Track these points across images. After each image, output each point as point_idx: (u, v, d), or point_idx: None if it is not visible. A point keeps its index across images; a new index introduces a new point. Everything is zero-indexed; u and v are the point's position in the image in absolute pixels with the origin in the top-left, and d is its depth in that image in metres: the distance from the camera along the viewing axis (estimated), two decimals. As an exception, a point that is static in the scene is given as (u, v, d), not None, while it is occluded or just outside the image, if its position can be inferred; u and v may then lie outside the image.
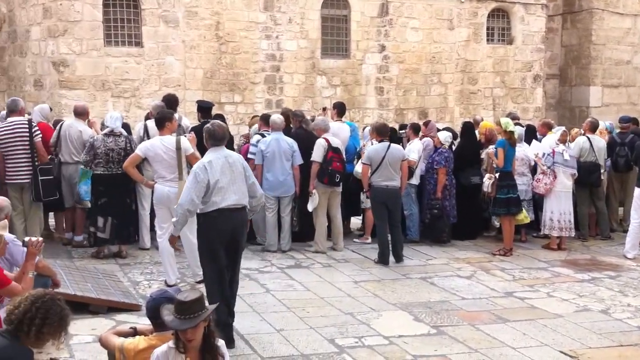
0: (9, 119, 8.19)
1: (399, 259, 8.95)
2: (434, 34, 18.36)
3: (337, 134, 9.81)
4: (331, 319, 6.54)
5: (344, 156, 9.54)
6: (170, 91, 12.38)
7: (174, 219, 6.08)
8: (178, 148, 7.47)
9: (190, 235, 7.28)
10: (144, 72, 15.44)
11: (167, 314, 3.73)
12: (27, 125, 8.09)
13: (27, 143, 8.02)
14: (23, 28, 15.73)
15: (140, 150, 7.59)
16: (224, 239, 5.81)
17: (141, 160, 7.71)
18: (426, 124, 10.82)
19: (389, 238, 8.96)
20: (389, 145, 8.94)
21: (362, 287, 7.74)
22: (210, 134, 5.98)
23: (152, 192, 7.77)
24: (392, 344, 5.94)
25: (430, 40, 18.34)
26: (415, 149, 9.90)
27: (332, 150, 9.22)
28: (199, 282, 7.36)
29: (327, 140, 9.25)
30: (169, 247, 7.03)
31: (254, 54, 16.61)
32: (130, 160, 7.67)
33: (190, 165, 7.45)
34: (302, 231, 9.66)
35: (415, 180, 9.95)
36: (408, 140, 10.34)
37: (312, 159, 9.18)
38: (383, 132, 9.10)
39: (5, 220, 5.58)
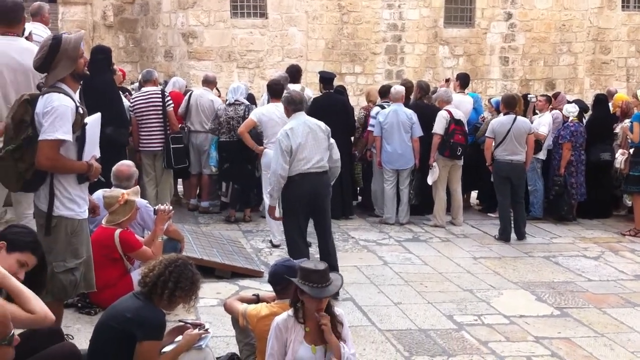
0: (144, 89, 8.60)
1: (521, 236, 8.69)
2: (564, 0, 17.44)
3: (459, 106, 9.59)
4: (450, 295, 6.47)
5: (467, 128, 9.33)
6: (292, 62, 12.54)
7: (268, 189, 6.39)
8: None
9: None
10: (267, 44, 15.73)
11: (302, 283, 3.71)
12: (160, 95, 8.47)
13: (160, 112, 8.39)
14: (154, 0, 16.40)
15: (254, 115, 7.89)
16: (306, 200, 6.15)
17: (255, 125, 7.92)
18: (555, 95, 10.36)
19: (511, 214, 8.70)
20: (515, 118, 8.64)
21: (482, 264, 7.59)
22: (289, 100, 6.34)
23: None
24: (513, 323, 5.80)
25: (560, 7, 17.45)
26: (545, 122, 9.51)
27: (454, 122, 9.04)
28: (275, 246, 7.68)
29: (449, 112, 9.07)
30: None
31: (376, 23, 16.49)
32: (245, 125, 7.96)
33: None
34: (421, 204, 9.56)
35: (542, 155, 9.58)
36: (534, 113, 9.95)
37: (433, 131, 9.04)
38: (511, 104, 8.78)
39: (137, 186, 5.92)
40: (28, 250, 3.33)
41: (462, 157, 9.23)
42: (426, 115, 9.31)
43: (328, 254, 6.28)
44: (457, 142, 9.02)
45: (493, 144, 8.74)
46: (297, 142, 6.04)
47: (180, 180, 10.00)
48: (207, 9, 15.34)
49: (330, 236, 6.42)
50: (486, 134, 8.93)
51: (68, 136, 3.90)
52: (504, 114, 8.81)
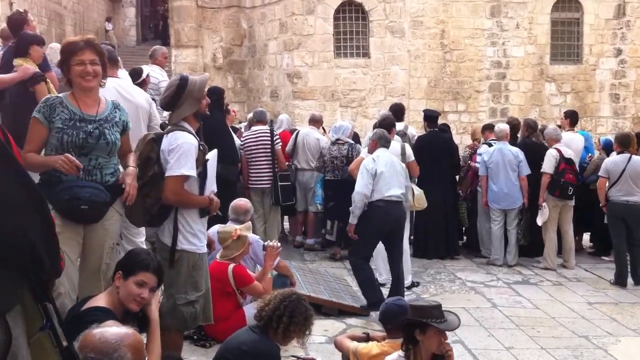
0: (254, 128, 8.88)
1: (638, 280, 8.26)
2: (678, 34, 16.71)
3: (570, 144, 9.31)
4: (564, 341, 6.21)
5: (577, 168, 9.04)
6: (394, 100, 12.62)
7: (352, 207, 6.78)
8: (402, 153, 7.68)
9: (403, 240, 7.50)
10: (370, 82, 15.88)
11: (430, 321, 3.72)
12: (269, 134, 8.72)
13: (269, 150, 8.63)
14: (261, 43, 16.98)
15: (364, 153, 7.91)
16: (387, 227, 6.76)
17: None
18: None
19: (628, 257, 8.30)
20: (630, 157, 8.29)
21: (597, 309, 7.25)
22: (381, 135, 7.11)
23: None
24: (634, 373, 5.49)
25: (674, 41, 16.72)
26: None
27: (564, 161, 8.78)
28: (410, 287, 7.62)
29: (559, 151, 8.82)
30: (381, 248, 7.27)
31: (479, 61, 16.35)
32: (356, 163, 8.00)
33: (411, 171, 7.72)
34: (530, 245, 9.28)
35: (659, 196, 9.11)
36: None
37: (542, 169, 8.81)
38: (625, 143, 8.45)
39: (249, 222, 6.09)
40: (141, 269, 3.35)
41: (574, 197, 8.92)
42: (535, 153, 9.11)
43: (398, 279, 6.85)
44: (567, 181, 8.75)
45: (607, 183, 8.42)
46: (381, 169, 6.71)
47: (286, 217, 10.19)
48: (312, 50, 15.71)
49: (402, 263, 7.01)
50: (599, 174, 8.61)
51: (192, 172, 4.08)
52: (618, 153, 8.49)
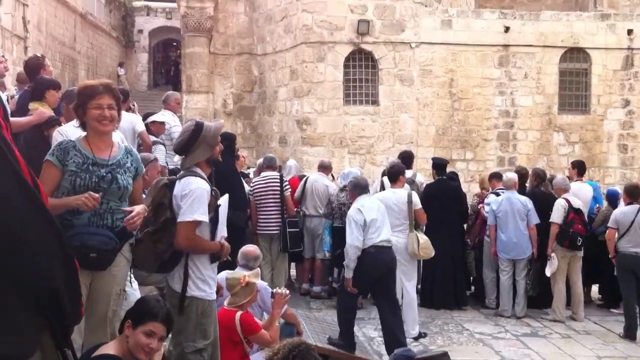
0: (263, 174, 8.94)
1: (649, 334, 8.16)
2: (687, 86, 16.83)
3: (578, 194, 9.31)
4: (574, 395, 6.12)
5: (586, 218, 9.02)
6: (403, 148, 12.71)
7: (345, 262, 6.84)
8: (409, 201, 7.73)
9: (410, 289, 7.61)
10: (378, 129, 16.00)
11: None
12: (279, 180, 8.77)
13: (278, 196, 8.67)
14: (272, 89, 17.19)
15: None
16: (376, 273, 6.78)
17: None
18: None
19: (637, 310, 8.21)
20: (639, 209, 8.27)
21: (607, 363, 7.15)
22: (356, 184, 7.19)
23: None
24: None
25: (682, 93, 16.83)
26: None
27: (573, 211, 8.78)
28: (417, 338, 7.56)
29: (567, 201, 8.82)
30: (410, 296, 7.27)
31: (487, 110, 16.48)
32: None
33: (418, 219, 7.74)
34: (539, 296, 9.20)
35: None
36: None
37: (551, 219, 8.80)
38: (634, 194, 8.45)
39: (258, 269, 6.07)
40: (150, 319, 3.34)
41: (582, 248, 8.88)
42: (544, 203, 9.11)
43: (391, 334, 6.76)
44: (576, 232, 8.73)
45: (616, 235, 8.39)
46: (370, 217, 6.78)
47: (293, 264, 10.16)
48: (321, 96, 15.88)
49: (396, 303, 7.05)
50: (609, 224, 8.59)
51: (204, 217, 4.10)
52: (627, 204, 8.48)
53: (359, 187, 7.16)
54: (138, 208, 3.84)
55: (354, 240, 6.72)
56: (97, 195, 3.64)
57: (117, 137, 4.55)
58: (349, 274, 6.79)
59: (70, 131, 4.82)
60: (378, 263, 6.79)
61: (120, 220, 3.89)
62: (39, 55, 7.44)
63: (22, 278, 1.44)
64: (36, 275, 1.44)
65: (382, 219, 6.93)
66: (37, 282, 1.49)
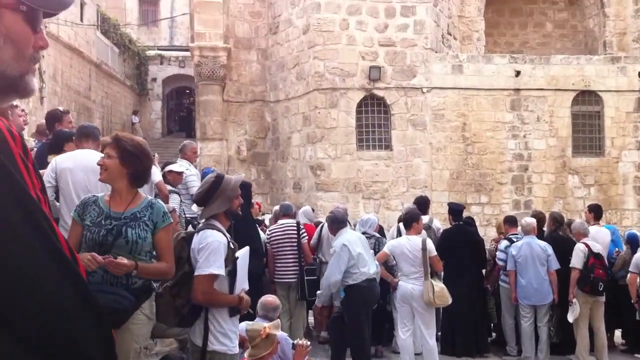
0: (280, 221, 8.92)
1: (677, 382, 7.97)
2: (702, 127, 16.79)
3: (596, 238, 9.22)
4: None
5: (606, 262, 8.90)
6: (417, 192, 12.69)
7: (319, 292, 7.12)
8: (424, 248, 7.66)
9: (429, 338, 7.49)
10: (392, 174, 15.99)
11: None
12: (295, 227, 8.74)
13: (295, 244, 8.63)
14: (285, 135, 17.29)
15: (387, 247, 8.01)
16: (371, 306, 7.18)
17: (387, 257, 7.99)
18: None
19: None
20: (661, 253, 8.17)
21: (636, 413, 6.95)
22: (334, 219, 7.46)
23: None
24: None
25: (697, 133, 16.78)
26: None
27: (593, 256, 8.66)
28: None
29: (587, 246, 8.72)
30: (409, 345, 7.26)
31: (501, 153, 16.47)
32: (378, 257, 7.99)
33: (433, 266, 7.67)
34: (562, 342, 9.02)
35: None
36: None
37: (571, 265, 8.69)
38: (655, 238, 8.36)
39: (278, 320, 6.00)
40: None
41: (604, 293, 8.74)
42: (562, 248, 9.00)
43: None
44: (597, 277, 8.60)
45: (638, 279, 8.26)
46: (357, 251, 7.01)
47: (311, 312, 10.04)
48: (334, 142, 15.94)
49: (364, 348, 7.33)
50: (630, 269, 8.48)
51: (221, 270, 4.07)
52: (648, 248, 8.37)
53: (337, 222, 7.43)
54: (125, 261, 3.66)
55: (336, 274, 6.99)
56: (100, 258, 3.55)
57: (147, 189, 4.57)
58: (319, 302, 7.26)
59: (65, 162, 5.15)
60: (372, 296, 7.19)
61: (138, 277, 3.83)
62: (61, 109, 7.52)
63: None
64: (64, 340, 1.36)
65: (366, 252, 7.24)
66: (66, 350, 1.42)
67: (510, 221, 9.89)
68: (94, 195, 4.03)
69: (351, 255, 7.01)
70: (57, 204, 5.23)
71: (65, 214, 5.09)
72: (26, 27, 1.33)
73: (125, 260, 3.63)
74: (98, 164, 3.90)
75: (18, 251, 1.19)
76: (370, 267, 7.16)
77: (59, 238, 1.25)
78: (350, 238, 7.23)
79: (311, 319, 10.20)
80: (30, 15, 1.33)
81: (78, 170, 5.18)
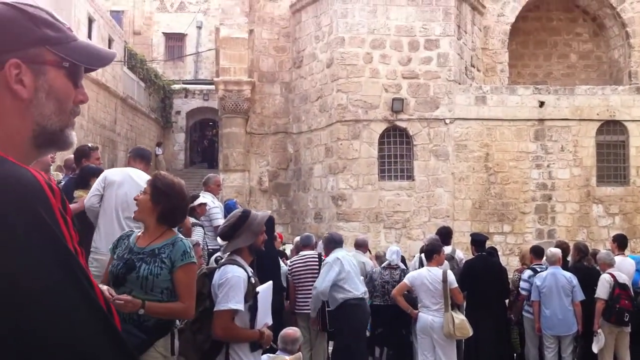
0: (302, 252, 8.95)
1: None
2: None
3: (621, 268, 9.12)
4: None
5: (632, 292, 8.78)
6: (439, 222, 12.65)
7: (312, 302, 7.53)
8: (444, 280, 7.65)
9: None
10: (414, 204, 15.98)
11: None
12: (317, 259, 8.77)
13: (316, 275, 8.63)
14: (307, 166, 17.41)
15: (407, 279, 8.02)
16: (364, 326, 7.53)
17: (408, 288, 7.99)
18: None
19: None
20: (688, 283, 8.06)
21: None
22: (330, 240, 7.95)
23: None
24: None
25: None
26: None
27: (618, 286, 8.58)
28: None
29: (612, 276, 8.63)
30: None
31: (524, 183, 16.39)
32: (398, 288, 8.04)
33: (454, 298, 7.64)
34: (587, 375, 8.90)
35: None
36: None
37: (596, 295, 8.60)
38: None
39: (299, 353, 6.02)
40: None
41: (630, 324, 8.62)
42: (586, 278, 8.91)
43: None
44: (623, 307, 8.51)
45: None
46: (347, 269, 7.39)
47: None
48: (356, 173, 16.00)
49: None
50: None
51: (240, 306, 4.09)
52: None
53: (333, 242, 7.92)
54: (128, 298, 3.62)
55: (325, 285, 7.38)
56: (107, 294, 3.44)
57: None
58: (313, 313, 7.66)
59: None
60: (366, 314, 7.69)
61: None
62: (90, 145, 7.68)
63: None
64: None
65: (356, 272, 7.71)
66: None
67: (536, 252, 9.83)
68: (131, 230, 4.14)
69: (343, 268, 7.39)
70: (98, 207, 5.66)
71: (102, 223, 5.61)
72: (68, 82, 1.38)
73: (129, 298, 3.61)
74: (134, 199, 4.04)
75: (67, 318, 1.19)
76: (359, 289, 7.56)
77: (95, 290, 1.28)
78: (344, 255, 7.69)
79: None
80: (72, 71, 1.39)
81: (123, 184, 5.61)
